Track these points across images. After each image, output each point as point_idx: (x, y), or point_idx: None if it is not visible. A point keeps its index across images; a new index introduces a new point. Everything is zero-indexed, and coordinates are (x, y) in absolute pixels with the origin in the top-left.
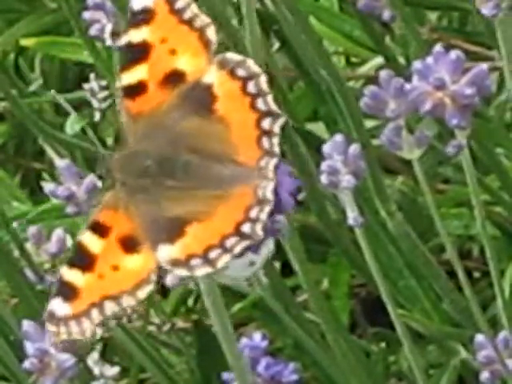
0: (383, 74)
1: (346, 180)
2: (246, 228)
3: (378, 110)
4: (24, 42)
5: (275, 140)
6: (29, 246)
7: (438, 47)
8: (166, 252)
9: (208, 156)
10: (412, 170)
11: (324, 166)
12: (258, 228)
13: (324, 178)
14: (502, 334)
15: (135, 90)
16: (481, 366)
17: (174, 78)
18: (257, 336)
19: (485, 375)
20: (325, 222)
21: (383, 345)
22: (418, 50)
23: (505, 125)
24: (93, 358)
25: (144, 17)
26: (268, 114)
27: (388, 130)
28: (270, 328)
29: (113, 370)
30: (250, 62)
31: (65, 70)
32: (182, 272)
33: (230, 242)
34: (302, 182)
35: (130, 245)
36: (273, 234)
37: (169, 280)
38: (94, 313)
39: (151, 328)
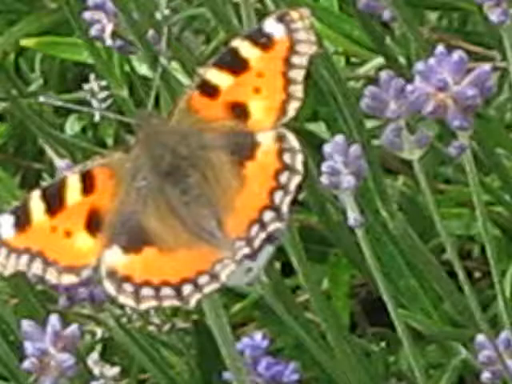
0: (383, 74)
1: (347, 180)
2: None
3: (378, 111)
4: (24, 42)
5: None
6: None
7: (440, 48)
8: (113, 256)
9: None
10: (412, 171)
11: (324, 166)
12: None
13: (325, 179)
14: (503, 334)
15: (209, 90)
16: (481, 366)
17: (239, 111)
18: (257, 336)
19: (485, 375)
20: (325, 223)
21: (383, 345)
22: (419, 50)
23: (505, 125)
24: (93, 358)
25: (265, 42)
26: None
27: (388, 131)
28: (270, 328)
29: (113, 370)
30: (300, 157)
31: (65, 70)
32: (110, 290)
33: (186, 289)
34: (303, 182)
35: (95, 223)
36: (271, 242)
37: None
38: (23, 258)
39: (151, 328)
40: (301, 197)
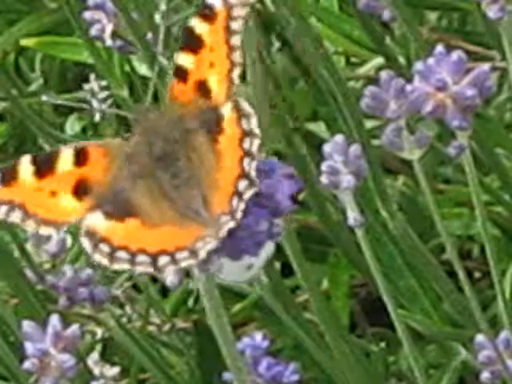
0: (383, 74)
1: (347, 180)
2: (197, 247)
3: (378, 111)
4: (24, 42)
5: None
6: (29, 246)
7: (439, 48)
8: (96, 220)
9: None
10: (412, 171)
11: (324, 166)
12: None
13: (324, 179)
14: (503, 334)
15: (181, 74)
16: (481, 366)
17: (203, 88)
18: (258, 336)
19: (485, 375)
20: (325, 222)
21: (383, 345)
22: (418, 50)
23: (505, 125)
24: (93, 358)
25: (210, 14)
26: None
27: (388, 131)
28: (270, 328)
29: (113, 370)
30: (254, 120)
31: (65, 69)
32: (86, 246)
33: (162, 260)
34: (301, 185)
35: (81, 188)
36: (271, 237)
37: (169, 280)
38: (3, 208)
39: (151, 328)
40: (301, 197)
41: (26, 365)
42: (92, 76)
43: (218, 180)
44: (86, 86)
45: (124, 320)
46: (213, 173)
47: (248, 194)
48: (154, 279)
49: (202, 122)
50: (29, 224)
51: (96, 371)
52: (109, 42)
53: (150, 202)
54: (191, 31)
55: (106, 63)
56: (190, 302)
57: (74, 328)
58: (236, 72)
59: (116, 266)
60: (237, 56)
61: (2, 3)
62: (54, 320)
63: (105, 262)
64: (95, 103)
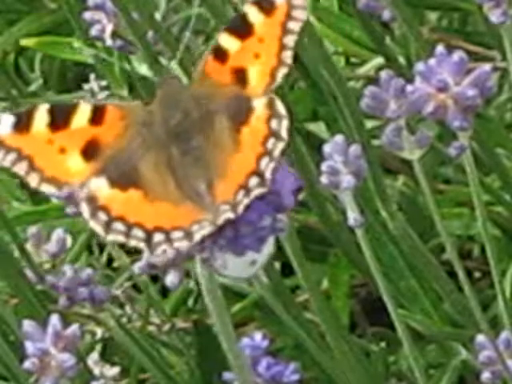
0: (383, 74)
1: (347, 180)
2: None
3: (378, 111)
4: (24, 42)
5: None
6: (29, 246)
7: (440, 48)
8: (99, 185)
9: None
10: (412, 171)
11: (324, 166)
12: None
13: (324, 179)
14: (503, 335)
15: (220, 54)
16: (481, 366)
17: (241, 76)
18: (257, 336)
19: (486, 375)
20: (325, 222)
21: (383, 345)
22: (419, 50)
23: (505, 125)
24: (93, 358)
25: (269, 7)
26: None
27: (388, 131)
28: (270, 328)
29: (113, 370)
30: (286, 124)
31: (65, 69)
32: (85, 212)
33: (157, 237)
34: (303, 182)
35: (91, 149)
36: (274, 233)
37: (169, 280)
38: (11, 155)
39: (151, 328)
40: (301, 197)
41: (26, 364)
42: (92, 76)
43: (229, 168)
44: (86, 86)
45: (124, 320)
46: (226, 160)
47: (256, 192)
48: (154, 279)
49: (228, 106)
50: (32, 178)
51: (96, 371)
52: (109, 42)
53: (156, 175)
54: (243, 17)
55: (106, 63)
56: (190, 302)
57: (74, 328)
58: (282, 71)
59: (110, 237)
60: (287, 56)
61: (2, 3)
62: (54, 320)
63: (101, 231)
64: None
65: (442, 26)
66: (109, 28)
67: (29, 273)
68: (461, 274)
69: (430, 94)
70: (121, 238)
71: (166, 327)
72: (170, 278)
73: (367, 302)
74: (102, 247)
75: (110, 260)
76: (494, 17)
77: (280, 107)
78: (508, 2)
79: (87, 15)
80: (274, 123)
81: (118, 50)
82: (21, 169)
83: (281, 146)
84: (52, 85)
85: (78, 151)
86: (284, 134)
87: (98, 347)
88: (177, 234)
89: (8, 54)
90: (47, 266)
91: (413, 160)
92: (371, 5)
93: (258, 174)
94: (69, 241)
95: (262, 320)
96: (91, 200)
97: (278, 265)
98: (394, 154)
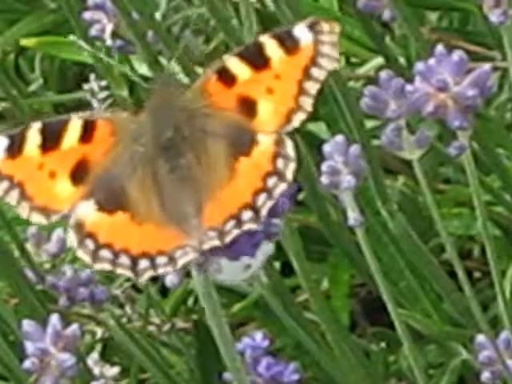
0: (383, 74)
1: (347, 180)
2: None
3: (378, 111)
4: (24, 42)
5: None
6: (29, 246)
7: (440, 48)
8: (86, 210)
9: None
10: (412, 171)
11: (324, 166)
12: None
13: (324, 179)
14: (503, 335)
15: (226, 77)
16: (481, 366)
17: (248, 106)
18: (258, 336)
19: (485, 375)
20: (325, 222)
21: (383, 345)
22: (419, 50)
23: (505, 125)
24: (93, 358)
25: (291, 45)
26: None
27: (389, 131)
28: (270, 328)
29: (113, 370)
30: (292, 166)
31: (65, 69)
32: (73, 241)
33: (142, 264)
34: (302, 182)
35: (80, 173)
36: (269, 238)
37: (169, 280)
38: (4, 184)
39: (151, 328)
40: (301, 197)
41: (26, 364)
42: (92, 76)
43: (221, 195)
44: (86, 86)
45: (124, 320)
46: (218, 185)
47: (247, 226)
48: (154, 279)
49: (227, 132)
50: (22, 208)
51: (96, 371)
52: (109, 42)
53: (143, 195)
54: (260, 47)
55: (106, 63)
56: (190, 302)
57: (74, 327)
58: (300, 116)
59: (98, 266)
60: (307, 102)
61: (2, 3)
62: (54, 319)
63: (88, 260)
64: (95, 103)
65: (442, 26)
66: (109, 28)
67: (29, 273)
68: (461, 274)
69: (429, 93)
70: (107, 267)
71: (166, 327)
72: (170, 278)
73: (367, 301)
74: None
75: None
76: (494, 16)
77: (290, 149)
78: (508, 1)
79: (87, 15)
80: (280, 163)
81: (118, 50)
82: (12, 198)
83: (283, 187)
84: (52, 85)
85: (67, 174)
86: (289, 175)
87: (98, 347)
88: (161, 260)
89: (8, 53)
90: (47, 265)
91: (413, 160)
92: (371, 5)
93: (253, 208)
94: (69, 241)
95: (262, 320)
96: (79, 227)
97: (278, 265)
98: (394, 154)
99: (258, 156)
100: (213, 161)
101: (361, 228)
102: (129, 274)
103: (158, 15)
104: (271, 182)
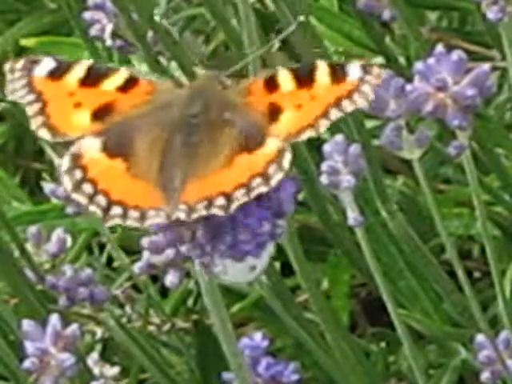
0: (383, 74)
1: (347, 180)
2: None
3: (378, 110)
4: (24, 42)
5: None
6: (29, 246)
7: (439, 48)
8: (90, 145)
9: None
10: (412, 171)
11: (324, 166)
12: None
13: (324, 178)
14: (503, 334)
15: (271, 84)
16: (481, 366)
17: (273, 112)
18: (257, 336)
19: (485, 375)
20: (325, 222)
21: (383, 345)
22: (419, 50)
23: (505, 125)
24: (93, 358)
25: (339, 77)
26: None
27: (388, 130)
28: (270, 328)
29: (113, 370)
30: (279, 176)
31: None
32: (64, 165)
33: (116, 210)
34: (302, 182)
35: (104, 110)
36: (274, 238)
37: (169, 280)
38: (31, 97)
39: (151, 328)
40: (301, 197)
41: (26, 364)
42: None
43: (206, 177)
44: None
45: (124, 320)
46: (210, 169)
47: (215, 211)
48: (154, 279)
49: (244, 126)
50: (35, 121)
51: (96, 371)
52: (109, 42)
53: (146, 153)
54: (313, 69)
55: (106, 63)
56: (190, 302)
57: (74, 327)
58: (308, 133)
59: (75, 196)
60: (323, 125)
61: (2, 3)
62: (54, 319)
63: (69, 187)
64: None
65: (442, 26)
66: (109, 28)
67: (29, 273)
68: (461, 274)
69: (429, 93)
70: (83, 201)
71: (166, 327)
72: (170, 278)
73: (367, 301)
74: (102, 247)
75: (110, 260)
76: (492, 14)
77: (286, 161)
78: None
79: (87, 15)
80: (271, 169)
81: (118, 50)
82: (31, 109)
83: (276, 178)
84: None
85: (91, 109)
86: (273, 183)
87: (98, 347)
88: (133, 213)
89: (8, 54)
90: (47, 265)
91: (412, 159)
92: (371, 5)
93: (226, 196)
94: (69, 241)
95: (262, 320)
96: (75, 157)
97: (278, 265)
98: (393, 154)
99: (258, 156)
100: (219, 147)
101: (361, 228)
102: (98, 213)
103: (157, 15)
104: (254, 182)
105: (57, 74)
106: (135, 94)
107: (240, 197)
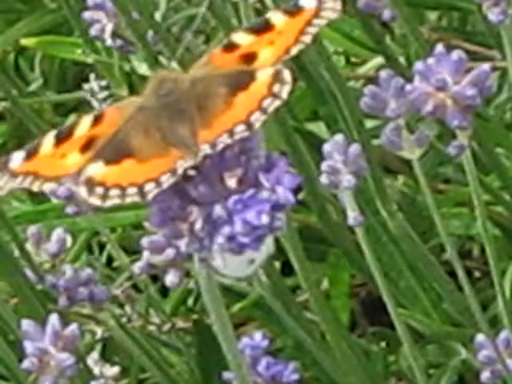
0: (383, 73)
1: (347, 180)
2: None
3: (378, 110)
4: (24, 42)
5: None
6: (29, 245)
7: (439, 48)
8: (95, 168)
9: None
10: (412, 171)
11: (324, 165)
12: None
13: (324, 178)
14: (503, 334)
15: (230, 47)
16: (481, 366)
17: (250, 57)
18: (257, 336)
19: (485, 375)
20: (325, 222)
21: (383, 344)
22: (419, 50)
23: (505, 125)
24: (93, 358)
25: (296, 11)
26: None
27: (388, 130)
28: (270, 328)
29: (113, 370)
30: (288, 88)
31: (65, 70)
32: (84, 193)
33: (148, 186)
34: (302, 182)
35: (88, 145)
36: (273, 232)
37: (169, 280)
38: (19, 179)
39: (151, 328)
40: (301, 197)
41: (26, 364)
42: (92, 76)
43: (215, 121)
44: (86, 86)
45: (124, 320)
46: (215, 115)
47: (238, 136)
48: (154, 279)
49: (230, 79)
50: (35, 186)
51: (96, 371)
52: (109, 42)
53: (145, 137)
54: (267, 20)
55: (106, 63)
56: (190, 302)
57: (73, 327)
58: (298, 46)
59: (108, 203)
60: (307, 38)
61: (2, 3)
62: (54, 319)
63: (98, 201)
64: (95, 103)
65: (442, 26)
66: (109, 28)
67: (29, 272)
68: (461, 274)
69: (429, 93)
70: (117, 201)
71: (166, 327)
72: (170, 278)
73: (367, 301)
74: (102, 247)
75: (110, 260)
76: (493, 15)
77: (286, 74)
78: (507, 0)
79: (87, 15)
80: (276, 87)
81: (118, 50)
82: (27, 182)
83: (277, 103)
84: (52, 85)
85: (76, 150)
86: (284, 95)
87: (98, 347)
88: (165, 177)
89: (8, 53)
90: (47, 265)
91: (412, 159)
92: (371, 4)
93: (246, 123)
94: (69, 241)
95: (262, 320)
96: (88, 181)
97: (278, 265)
98: (393, 154)
99: (256, 87)
100: (212, 101)
101: (361, 228)
102: (137, 199)
103: (157, 15)
104: (266, 102)
105: (30, 155)
106: (109, 120)
107: (258, 118)
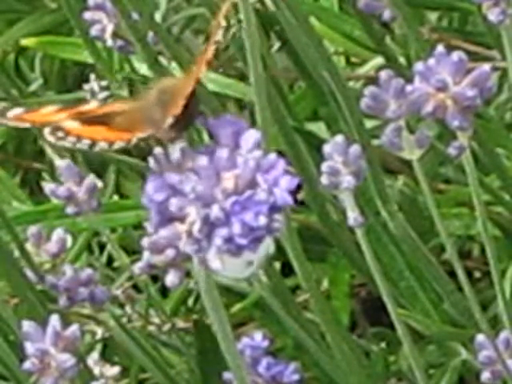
0: (383, 74)
1: (347, 180)
2: None
3: (378, 111)
4: (24, 42)
5: None
6: (29, 245)
7: (439, 48)
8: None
9: None
10: (412, 171)
11: (324, 166)
12: None
13: (324, 179)
14: (503, 334)
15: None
16: (481, 367)
17: None
18: (258, 336)
19: (485, 375)
20: (325, 222)
21: (383, 345)
22: (419, 50)
23: (505, 125)
24: (93, 358)
25: None
26: None
27: (388, 131)
28: (270, 328)
29: (113, 370)
30: None
31: (65, 69)
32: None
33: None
34: (302, 182)
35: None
36: (271, 233)
37: (169, 280)
38: None
39: (151, 328)
40: (301, 197)
41: (26, 365)
42: (92, 76)
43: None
44: (86, 86)
45: (124, 320)
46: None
47: None
48: (154, 279)
49: None
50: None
51: (96, 371)
52: (109, 42)
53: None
54: None
55: (106, 63)
56: (190, 302)
57: (74, 328)
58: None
59: (60, 143)
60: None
61: (2, 3)
62: (54, 320)
63: (52, 139)
64: None
65: (442, 26)
66: (109, 28)
67: (29, 273)
68: (461, 274)
69: (429, 93)
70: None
71: (166, 327)
72: (170, 278)
73: (367, 301)
74: (102, 247)
75: (110, 260)
76: (493, 16)
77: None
78: (507, 1)
79: (87, 15)
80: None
81: (118, 50)
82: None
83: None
84: (52, 85)
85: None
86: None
87: (98, 347)
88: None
89: (8, 53)
90: (47, 265)
91: (412, 160)
92: (371, 5)
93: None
94: (69, 241)
95: (262, 320)
96: (59, 127)
97: (278, 265)
98: (394, 154)
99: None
100: None
101: (361, 228)
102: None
103: (157, 15)
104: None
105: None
106: None
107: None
